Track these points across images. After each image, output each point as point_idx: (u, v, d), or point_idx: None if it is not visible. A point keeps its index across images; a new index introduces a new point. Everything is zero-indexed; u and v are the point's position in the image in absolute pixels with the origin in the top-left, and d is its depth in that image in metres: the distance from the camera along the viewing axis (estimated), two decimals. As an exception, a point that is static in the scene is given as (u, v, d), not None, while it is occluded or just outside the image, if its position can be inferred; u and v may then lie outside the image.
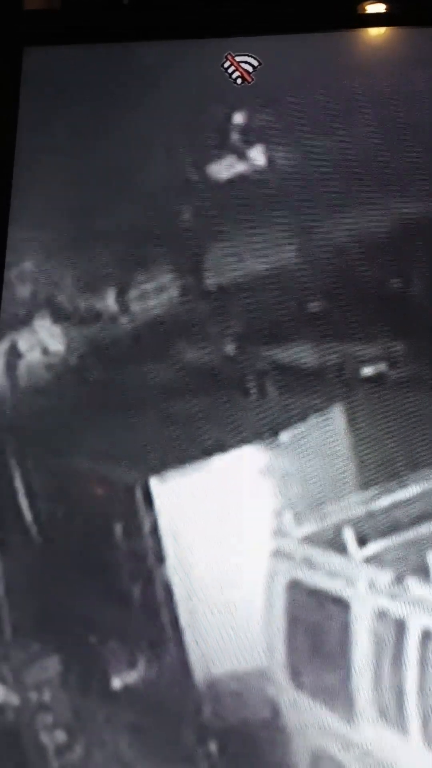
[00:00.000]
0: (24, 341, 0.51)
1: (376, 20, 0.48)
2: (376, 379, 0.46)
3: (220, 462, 0.48)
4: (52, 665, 0.50)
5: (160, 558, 0.48)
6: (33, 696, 0.50)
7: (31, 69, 0.52)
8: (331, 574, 0.46)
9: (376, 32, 0.48)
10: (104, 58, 0.52)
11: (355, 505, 0.46)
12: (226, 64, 0.48)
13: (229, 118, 0.49)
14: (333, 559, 0.46)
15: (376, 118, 0.47)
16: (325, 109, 0.48)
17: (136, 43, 0.51)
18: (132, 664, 0.49)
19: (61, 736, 0.50)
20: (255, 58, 0.48)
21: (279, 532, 0.47)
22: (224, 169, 0.48)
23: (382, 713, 0.45)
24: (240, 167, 0.48)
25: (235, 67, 0.48)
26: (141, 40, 0.51)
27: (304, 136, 0.48)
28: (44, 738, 0.50)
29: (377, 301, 0.46)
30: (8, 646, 0.51)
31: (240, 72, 0.48)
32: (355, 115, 0.47)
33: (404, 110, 0.47)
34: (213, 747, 0.47)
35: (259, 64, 0.48)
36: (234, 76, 0.48)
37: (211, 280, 0.49)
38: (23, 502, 0.51)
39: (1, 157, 0.52)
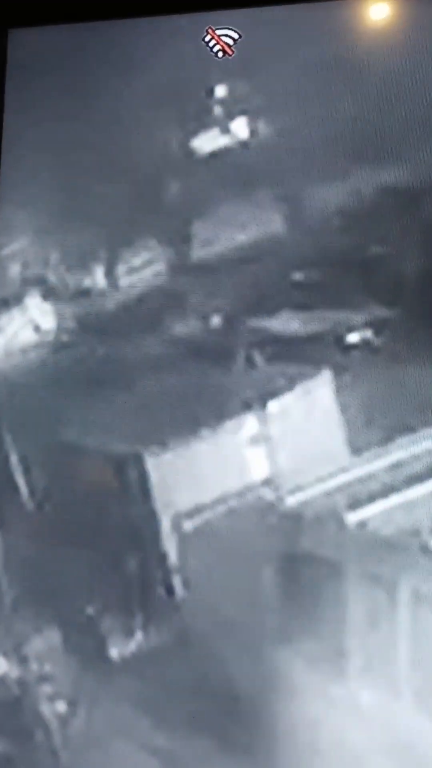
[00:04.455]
0: (16, 319, 0.51)
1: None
2: (362, 346, 0.45)
3: (210, 433, 0.48)
4: (51, 637, 0.50)
5: (155, 529, 0.48)
6: (34, 667, 0.51)
7: (16, 50, 0.52)
8: (323, 539, 0.46)
9: (355, 2, 0.47)
10: (88, 36, 0.51)
11: (344, 471, 0.45)
12: (207, 38, 0.48)
13: (211, 91, 0.48)
14: (324, 525, 0.46)
15: (356, 88, 0.47)
16: (306, 80, 0.47)
17: (119, 20, 0.51)
18: (129, 634, 0.49)
19: (61, 706, 0.50)
20: (236, 31, 0.48)
21: (270, 500, 0.47)
22: (208, 142, 0.48)
23: (375, 675, 0.44)
24: (223, 140, 0.48)
25: (216, 40, 0.48)
26: (124, 17, 0.50)
27: (285, 107, 0.47)
28: (45, 708, 0.50)
29: (361, 268, 0.45)
30: (9, 620, 0.51)
31: (221, 45, 0.48)
32: (337, 85, 0.47)
33: (385, 80, 0.47)
34: (211, 713, 0.47)
35: (240, 36, 0.48)
36: (215, 49, 0.48)
37: (197, 253, 0.48)
38: (20, 479, 0.51)
39: (-12, 138, 0.52)
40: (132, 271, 0.49)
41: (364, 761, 0.44)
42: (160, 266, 0.48)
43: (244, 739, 0.46)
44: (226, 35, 0.47)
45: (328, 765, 0.44)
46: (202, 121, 0.48)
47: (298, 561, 0.45)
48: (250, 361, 0.47)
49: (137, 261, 0.49)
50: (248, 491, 0.46)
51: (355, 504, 0.45)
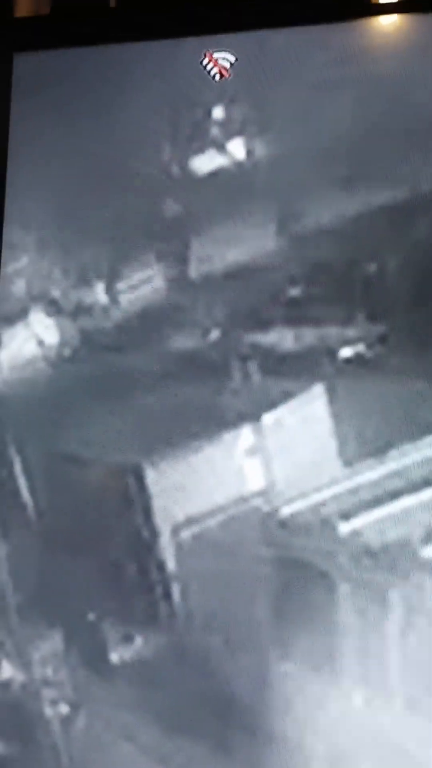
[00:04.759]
0: (20, 334, 0.53)
1: (349, 13, 0.48)
2: (355, 360, 0.46)
3: (207, 444, 0.49)
4: (54, 642, 0.52)
5: (154, 537, 0.50)
6: (37, 671, 0.52)
7: (21, 73, 0.53)
8: (316, 548, 0.47)
9: (349, 25, 0.48)
10: (90, 60, 0.52)
11: (338, 482, 0.47)
12: (205, 61, 0.49)
13: (208, 113, 0.49)
14: (318, 534, 0.47)
15: (350, 109, 0.48)
16: (300, 102, 0.48)
17: (120, 44, 0.52)
18: (129, 639, 0.50)
19: (64, 708, 0.52)
20: (232, 54, 0.49)
21: (266, 510, 0.48)
22: (205, 162, 0.49)
23: (368, 681, 0.46)
24: (220, 160, 0.49)
25: (213, 63, 0.49)
26: (125, 41, 0.52)
27: (280, 128, 0.48)
28: (48, 711, 0.52)
29: (354, 284, 0.47)
30: (13, 625, 0.52)
31: (218, 68, 0.49)
32: (330, 105, 0.48)
33: (380, 100, 0.48)
34: (208, 716, 0.48)
35: (236, 59, 0.49)
36: (212, 72, 0.49)
37: (195, 270, 0.49)
38: (23, 488, 0.52)
39: (-5, 159, 0.53)
40: (132, 287, 0.50)
41: (356, 763, 0.45)
42: (159, 283, 0.50)
43: (240, 741, 0.47)
44: (224, 58, 0.49)
45: (321, 766, 0.45)
46: (200, 141, 0.49)
47: (292, 569, 0.46)
48: (246, 375, 0.48)
49: (137, 278, 0.50)
50: (244, 501, 0.48)
51: (347, 514, 0.46)
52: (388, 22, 0.48)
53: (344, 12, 0.48)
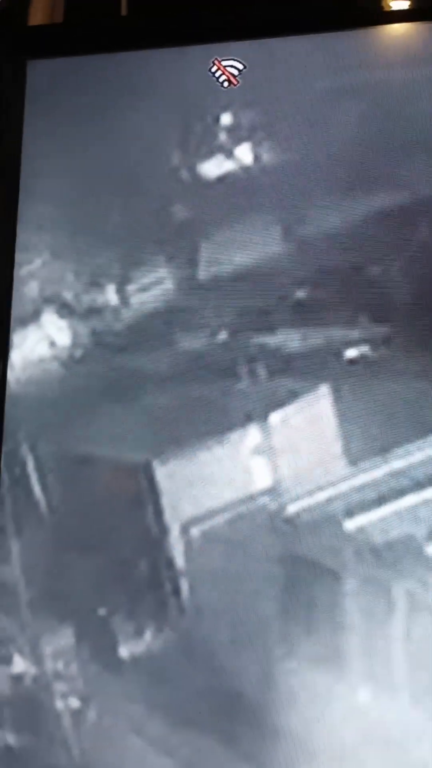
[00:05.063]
0: (33, 335, 0.54)
1: (356, 21, 0.49)
2: (360, 361, 0.47)
3: (216, 443, 0.50)
4: (65, 637, 0.53)
5: (163, 534, 0.51)
6: (49, 665, 0.53)
7: (34, 80, 0.55)
8: (322, 545, 0.48)
9: (354, 34, 0.49)
10: (101, 67, 0.54)
11: (343, 480, 0.47)
12: (213, 69, 0.50)
13: (217, 119, 0.50)
14: (323, 531, 0.48)
15: (355, 115, 0.49)
16: (306, 108, 0.49)
17: (131, 52, 0.53)
18: (139, 634, 0.51)
19: (75, 702, 0.53)
20: (240, 62, 0.50)
21: (272, 508, 0.49)
22: (214, 167, 0.50)
23: (373, 676, 0.46)
24: (228, 165, 0.50)
25: (221, 71, 0.50)
26: (135, 49, 0.53)
27: (287, 134, 0.49)
28: (59, 704, 0.53)
29: (359, 287, 0.47)
30: (25, 620, 0.53)
31: (227, 75, 0.50)
32: (336, 112, 0.49)
33: (384, 106, 0.49)
34: (215, 711, 0.49)
35: (245, 67, 0.50)
36: (221, 79, 0.50)
37: (203, 273, 0.50)
38: (36, 486, 0.54)
39: (8, 164, 0.54)
40: (142, 289, 0.51)
41: (360, 757, 0.45)
42: (168, 285, 0.51)
43: (247, 736, 0.48)
44: (232, 66, 0.50)
45: (328, 761, 0.46)
46: (209, 147, 0.50)
47: (298, 565, 0.47)
48: (253, 375, 0.49)
49: (147, 280, 0.51)
50: (251, 499, 0.49)
51: (352, 512, 0.47)
52: (394, 30, 0.49)
53: (351, 20, 0.49)
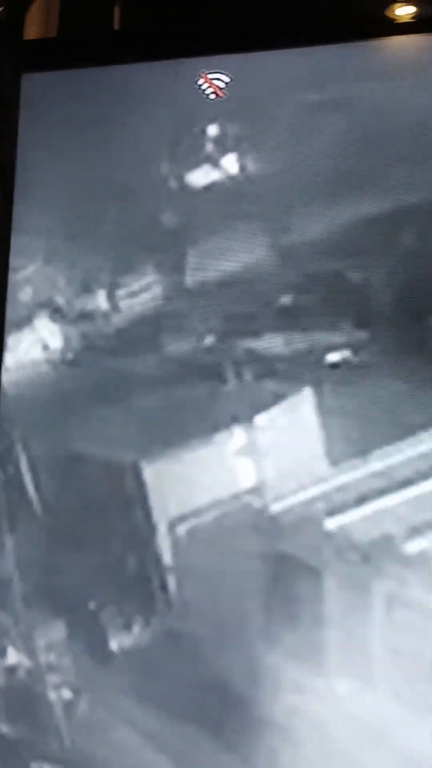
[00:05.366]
0: (26, 338, 0.56)
1: (338, 36, 0.51)
2: (342, 365, 0.49)
3: (202, 444, 0.52)
4: (58, 630, 0.55)
5: (151, 532, 0.52)
6: (42, 657, 0.55)
7: (29, 92, 0.56)
8: (304, 543, 0.49)
9: (336, 48, 0.51)
10: (94, 80, 0.55)
11: (325, 480, 0.49)
12: (200, 81, 0.52)
13: (204, 130, 0.52)
14: (305, 530, 0.49)
15: (338, 126, 0.50)
16: (290, 120, 0.51)
17: (121, 65, 0.55)
18: (128, 628, 0.53)
19: (67, 693, 0.54)
20: (227, 75, 0.52)
21: (257, 506, 0.50)
22: (201, 177, 0.52)
23: (352, 668, 0.48)
24: (215, 175, 0.51)
25: (208, 83, 0.52)
26: (125, 62, 0.55)
27: (271, 144, 0.50)
28: (52, 695, 0.55)
29: (340, 293, 0.49)
30: (19, 613, 0.55)
31: (213, 88, 0.52)
32: (319, 123, 0.50)
33: (366, 117, 0.50)
34: (201, 701, 0.51)
35: (231, 80, 0.52)
36: (207, 92, 0.52)
37: (191, 279, 0.52)
38: (29, 484, 0.55)
39: (3, 173, 0.56)
40: (131, 295, 0.53)
41: (342, 747, 0.47)
42: (157, 290, 0.52)
43: (231, 725, 0.49)
44: (218, 79, 0.51)
45: (309, 750, 0.48)
46: (196, 157, 0.52)
47: (280, 562, 0.49)
48: (239, 378, 0.50)
49: (136, 286, 0.53)
50: (236, 498, 0.50)
51: (333, 511, 0.48)
52: (376, 45, 0.50)
53: (333, 35, 0.50)
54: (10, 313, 0.55)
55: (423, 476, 0.46)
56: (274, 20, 0.51)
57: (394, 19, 0.49)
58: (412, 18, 0.50)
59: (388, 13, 0.50)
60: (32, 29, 0.58)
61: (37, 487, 0.54)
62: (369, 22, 0.49)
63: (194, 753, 0.50)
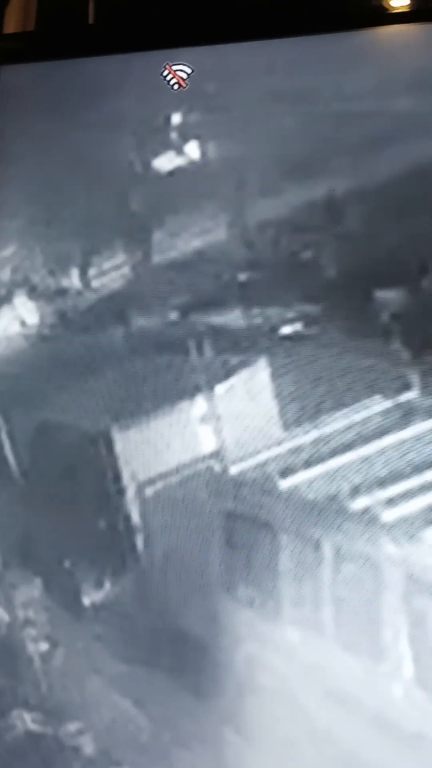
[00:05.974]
0: (5, 316, 0.59)
1: (296, 29, 0.54)
2: (294, 337, 0.52)
3: (167, 412, 0.55)
4: (34, 587, 0.59)
5: (121, 494, 0.56)
6: (20, 613, 0.59)
7: (6, 83, 0.60)
8: (260, 503, 0.53)
9: (294, 41, 0.54)
10: (66, 71, 0.59)
11: (278, 444, 0.53)
12: (165, 73, 0.55)
13: (168, 119, 0.56)
14: (261, 490, 0.53)
15: (291, 116, 0.54)
16: (249, 108, 0.54)
17: (92, 57, 0.58)
18: (99, 584, 0.57)
19: (43, 645, 0.58)
20: (189, 67, 0.55)
21: (217, 470, 0.54)
22: (165, 162, 0.55)
23: (304, 619, 0.52)
24: (178, 161, 0.55)
25: (172, 74, 0.55)
26: (96, 55, 0.58)
27: (231, 132, 0.54)
28: (30, 648, 0.59)
29: (293, 271, 0.52)
30: (-1, 573, 0.59)
31: (177, 78, 0.55)
32: (274, 111, 0.54)
33: (316, 108, 0.53)
34: (166, 650, 0.55)
35: (192, 71, 0.55)
36: (172, 82, 0.55)
37: (156, 258, 0.56)
38: (8, 452, 0.59)
39: (-17, 160, 0.60)
40: (102, 273, 0.56)
41: (290, 686, 0.51)
42: (125, 269, 0.56)
43: (193, 673, 0.53)
44: (181, 70, 0.55)
45: (263, 693, 0.52)
46: (162, 144, 0.55)
47: (239, 521, 0.53)
48: (200, 351, 0.54)
49: (107, 265, 0.56)
50: (199, 462, 0.54)
51: (286, 472, 0.52)
52: (331, 38, 0.54)
53: (291, 27, 0.53)
54: (-10, 292, 0.59)
55: (366, 440, 0.50)
56: (236, 14, 0.54)
57: (354, 12, 0.52)
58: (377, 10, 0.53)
59: (345, 5, 0.53)
60: (11, 23, 0.62)
61: (15, 455, 0.58)
62: (329, 15, 0.52)
63: (157, 696, 0.54)
